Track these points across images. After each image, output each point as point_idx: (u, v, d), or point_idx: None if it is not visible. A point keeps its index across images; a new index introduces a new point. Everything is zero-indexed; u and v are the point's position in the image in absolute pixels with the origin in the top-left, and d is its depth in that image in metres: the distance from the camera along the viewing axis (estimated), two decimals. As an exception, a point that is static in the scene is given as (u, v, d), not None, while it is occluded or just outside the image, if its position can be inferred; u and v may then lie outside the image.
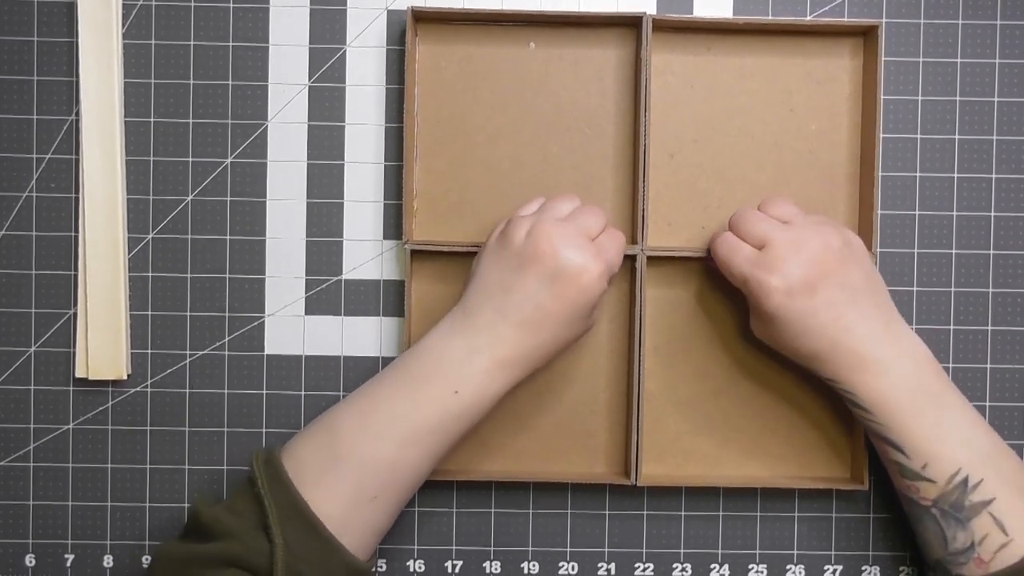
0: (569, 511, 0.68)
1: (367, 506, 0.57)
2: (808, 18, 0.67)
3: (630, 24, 0.66)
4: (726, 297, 0.67)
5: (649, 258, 0.65)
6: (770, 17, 0.67)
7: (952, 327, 0.68)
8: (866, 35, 0.67)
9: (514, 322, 0.58)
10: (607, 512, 0.68)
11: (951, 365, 0.68)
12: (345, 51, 0.67)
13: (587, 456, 0.67)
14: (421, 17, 0.66)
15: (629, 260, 0.65)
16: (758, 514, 0.68)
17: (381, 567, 0.67)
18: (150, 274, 0.67)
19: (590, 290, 0.58)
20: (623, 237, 0.63)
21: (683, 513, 0.68)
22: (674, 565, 0.68)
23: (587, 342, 0.67)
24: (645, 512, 0.68)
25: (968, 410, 0.60)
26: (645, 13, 0.65)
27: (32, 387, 0.67)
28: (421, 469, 0.59)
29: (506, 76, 0.67)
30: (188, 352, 0.67)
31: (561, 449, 0.67)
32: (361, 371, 0.67)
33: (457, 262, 0.66)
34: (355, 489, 0.57)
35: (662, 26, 0.66)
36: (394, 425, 0.57)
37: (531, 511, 0.68)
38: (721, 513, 0.68)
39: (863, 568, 0.68)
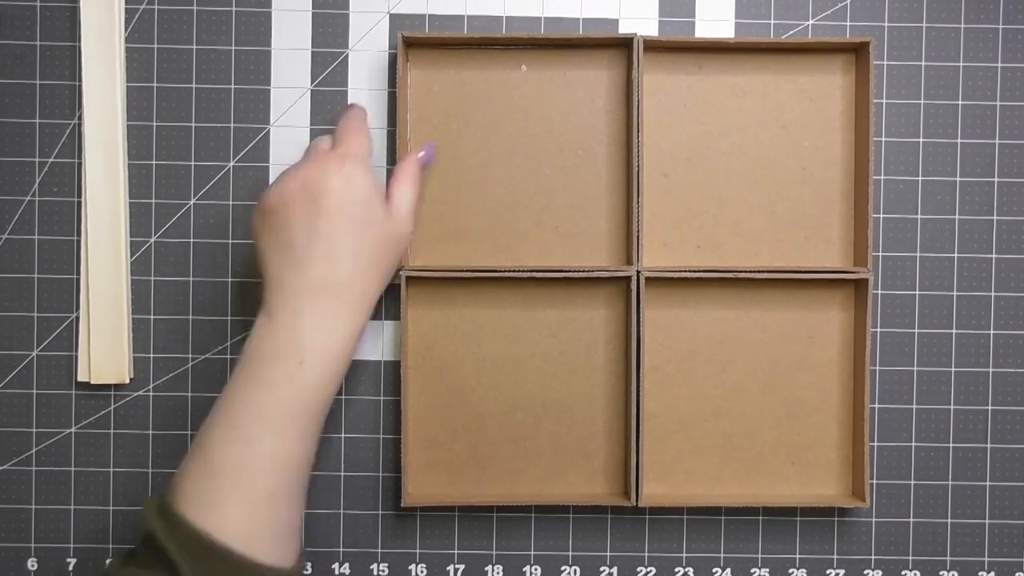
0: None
1: (265, 508, 0.55)
2: (805, 24, 0.67)
3: (620, 45, 0.66)
4: (723, 316, 0.67)
5: (646, 279, 0.65)
6: (769, 35, 0.67)
7: (955, 331, 0.68)
8: (858, 51, 0.67)
9: (314, 267, 0.56)
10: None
11: (953, 370, 0.68)
12: (347, 55, 0.67)
13: (587, 478, 0.67)
14: (412, 43, 0.66)
15: (625, 281, 0.66)
16: (760, 519, 0.68)
17: (384, 571, 0.67)
18: (152, 278, 0.67)
19: (356, 191, 0.56)
20: (355, 121, 0.61)
21: (685, 517, 0.68)
22: (676, 570, 0.68)
23: (585, 363, 0.67)
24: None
25: None
26: (636, 34, 0.65)
27: (34, 391, 0.67)
28: (301, 453, 0.56)
29: (499, 99, 0.67)
30: (191, 356, 0.67)
31: (561, 471, 0.67)
32: (362, 374, 0.67)
33: (454, 287, 0.66)
34: (246, 498, 0.54)
35: (653, 46, 0.66)
36: (254, 419, 0.55)
37: (533, 515, 0.68)
38: (723, 517, 0.68)
39: (865, 572, 0.68)
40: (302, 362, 0.55)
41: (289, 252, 0.56)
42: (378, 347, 0.67)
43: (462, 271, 0.65)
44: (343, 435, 0.67)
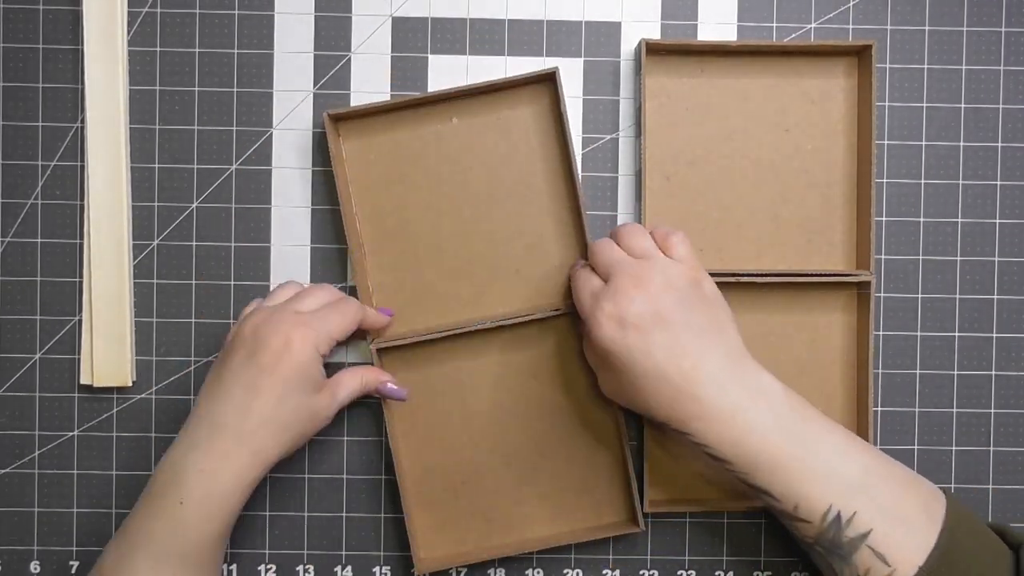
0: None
1: None
2: (807, 27, 0.67)
3: (544, 80, 0.65)
4: None
5: None
6: (772, 38, 0.67)
7: (957, 334, 0.68)
8: (860, 54, 0.67)
9: (225, 410, 0.57)
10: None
11: (956, 373, 0.68)
12: (350, 58, 0.67)
13: (592, 509, 0.67)
14: (340, 118, 0.65)
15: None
16: (763, 522, 0.68)
17: (386, 574, 0.68)
18: (155, 281, 0.67)
19: (294, 355, 0.57)
20: (354, 310, 0.62)
21: (687, 520, 0.68)
22: (679, 573, 0.68)
23: (569, 398, 0.66)
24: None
25: (837, 439, 0.56)
26: (642, 39, 0.64)
27: (37, 394, 0.67)
28: None
29: (434, 154, 0.66)
30: (193, 359, 0.67)
31: (565, 508, 0.67)
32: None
33: (427, 348, 0.66)
34: None
35: (655, 49, 0.66)
36: (142, 549, 0.56)
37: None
38: (726, 521, 0.68)
39: (868, 575, 0.68)
40: (183, 501, 0.56)
41: (217, 385, 0.58)
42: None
43: (432, 333, 0.64)
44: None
